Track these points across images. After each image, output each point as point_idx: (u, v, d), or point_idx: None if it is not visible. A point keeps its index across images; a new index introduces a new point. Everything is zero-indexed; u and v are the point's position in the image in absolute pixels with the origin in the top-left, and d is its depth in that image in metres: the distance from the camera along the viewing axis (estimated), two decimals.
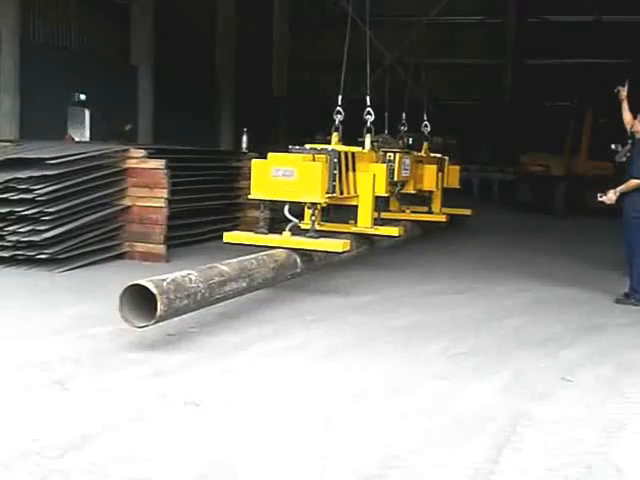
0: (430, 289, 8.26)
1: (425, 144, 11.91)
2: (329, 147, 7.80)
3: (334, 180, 7.45)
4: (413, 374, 5.11)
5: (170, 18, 23.75)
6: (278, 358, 5.37)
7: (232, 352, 5.44)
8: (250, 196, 7.47)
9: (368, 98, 8.72)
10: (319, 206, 7.41)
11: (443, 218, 11.54)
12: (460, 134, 29.94)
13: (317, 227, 7.51)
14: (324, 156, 7.45)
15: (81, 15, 20.02)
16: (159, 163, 9.29)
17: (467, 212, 12.49)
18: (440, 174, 11.45)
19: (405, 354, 5.59)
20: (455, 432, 4.06)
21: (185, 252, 9.97)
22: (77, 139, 17.45)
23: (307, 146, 7.82)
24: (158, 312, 5.06)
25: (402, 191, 10.49)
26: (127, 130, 21.04)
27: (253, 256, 6.69)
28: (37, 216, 8.34)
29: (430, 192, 11.39)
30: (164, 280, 5.24)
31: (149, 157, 9.41)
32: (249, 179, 12.12)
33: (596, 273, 9.73)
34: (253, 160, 7.46)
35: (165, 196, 9.24)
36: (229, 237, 7.66)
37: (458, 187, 12.19)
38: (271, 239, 7.37)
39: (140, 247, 9.31)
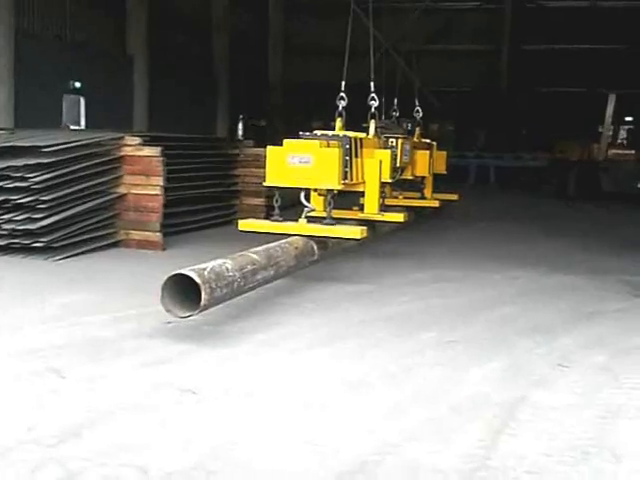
0: (426, 277, 8.24)
1: (417, 130, 11.88)
2: (340, 133, 7.75)
3: (346, 166, 7.41)
4: (410, 361, 5.10)
5: (165, 7, 23.64)
6: (276, 346, 5.36)
7: (230, 340, 5.43)
8: (265, 183, 7.39)
9: (372, 84, 8.69)
10: (328, 193, 7.37)
11: (436, 204, 11.54)
12: (456, 120, 29.97)
13: (324, 214, 7.50)
14: (336, 142, 7.42)
15: (76, 5, 19.91)
16: (154, 151, 9.27)
17: (454, 197, 12.48)
18: (431, 160, 11.43)
19: (402, 341, 5.59)
20: (452, 418, 4.06)
21: (181, 240, 9.97)
22: (73, 127, 17.41)
23: (318, 132, 7.76)
24: (202, 302, 5.02)
25: (400, 177, 10.45)
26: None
27: (277, 244, 6.65)
28: (32, 204, 8.32)
29: (423, 177, 11.36)
30: (204, 269, 5.20)
31: (144, 145, 9.39)
32: (245, 167, 12.36)
33: (593, 260, 9.74)
34: (268, 147, 7.33)
35: (161, 184, 9.22)
36: (244, 225, 7.57)
37: (445, 172, 12.15)
38: (288, 226, 7.30)
39: (136, 235, 9.29)
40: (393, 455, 3.56)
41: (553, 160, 22.65)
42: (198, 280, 5.02)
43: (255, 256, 6.01)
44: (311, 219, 7.45)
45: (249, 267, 5.77)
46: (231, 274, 5.44)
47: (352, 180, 7.69)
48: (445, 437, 3.79)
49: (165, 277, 5.09)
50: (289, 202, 8.19)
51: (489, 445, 3.70)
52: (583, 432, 3.92)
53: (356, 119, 8.61)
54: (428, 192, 11.56)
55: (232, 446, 3.61)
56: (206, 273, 5.15)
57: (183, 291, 5.10)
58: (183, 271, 5.10)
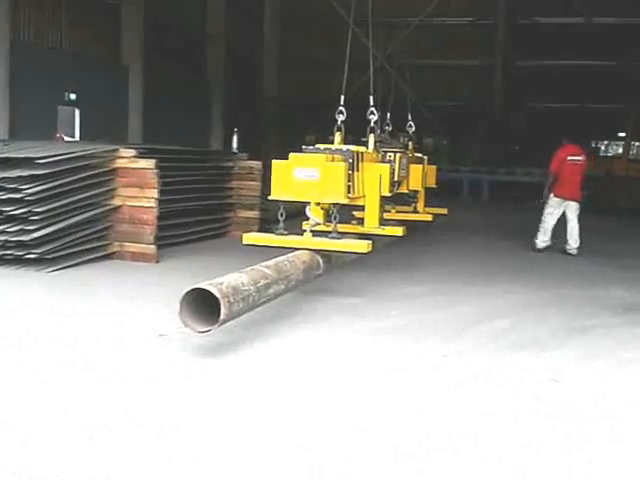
0: (418, 290, 8.26)
1: (410, 144, 11.91)
2: (343, 147, 7.77)
3: (349, 180, 7.42)
4: (400, 378, 5.11)
5: (161, 18, 23.74)
6: (263, 360, 5.36)
7: (217, 354, 5.42)
8: (270, 197, 7.37)
9: (371, 98, 8.72)
10: (333, 207, 7.38)
11: (429, 217, 11.55)
12: (450, 135, 30.09)
13: (325, 228, 7.50)
14: (341, 156, 7.44)
15: (72, 15, 19.98)
16: (149, 163, 9.28)
17: (444, 211, 12.52)
18: (424, 174, 11.44)
19: (392, 357, 5.60)
20: (441, 437, 4.07)
21: (175, 252, 9.98)
22: (67, 138, 17.42)
23: (321, 146, 7.77)
24: (222, 316, 5.01)
25: (397, 191, 10.44)
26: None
27: (284, 258, 6.63)
28: (26, 216, 8.32)
29: (415, 191, 11.38)
30: (222, 283, 5.19)
31: (139, 157, 9.39)
32: (240, 179, 12.38)
33: (585, 274, 9.79)
34: (273, 161, 7.25)
35: (155, 196, 9.23)
36: (249, 239, 7.51)
37: (435, 186, 12.19)
38: (294, 241, 7.25)
39: (130, 247, 9.29)
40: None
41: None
42: (218, 295, 5.02)
43: (267, 270, 6.01)
44: (315, 233, 7.45)
45: (262, 281, 5.77)
46: (247, 288, 5.44)
47: (354, 194, 7.70)
48: (441, 457, 3.80)
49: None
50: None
51: (479, 464, 3.71)
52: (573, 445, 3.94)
53: (351, 133, 8.62)
54: (421, 206, 11.58)
55: (222, 463, 3.61)
56: (224, 287, 5.15)
57: (197, 305, 5.10)
58: (202, 285, 5.10)
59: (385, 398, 4.62)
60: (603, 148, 34.38)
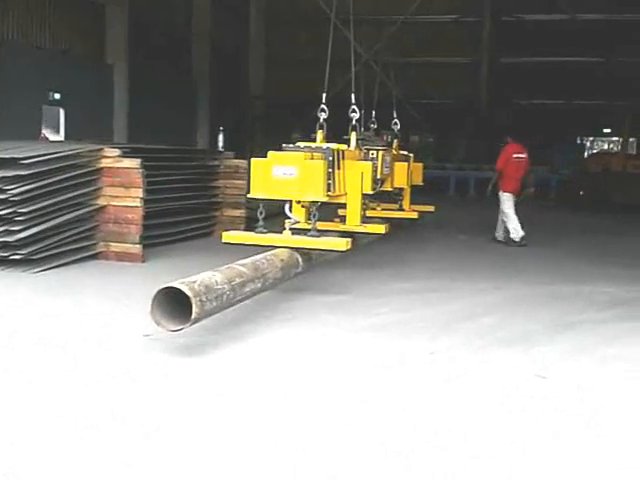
0: (404, 287, 8.25)
1: (395, 141, 11.92)
2: (323, 145, 7.77)
3: (329, 178, 7.42)
4: (387, 375, 5.11)
5: (146, 16, 23.64)
6: (250, 358, 5.35)
7: (199, 353, 5.40)
8: (249, 195, 7.36)
9: (353, 96, 8.70)
10: (312, 205, 7.37)
11: (415, 215, 11.55)
12: (437, 132, 30.14)
13: (306, 226, 7.50)
14: (320, 154, 7.43)
15: (56, 14, 19.87)
16: (134, 162, 9.24)
17: (430, 209, 12.55)
18: (409, 171, 11.44)
19: (379, 354, 5.60)
20: (428, 433, 4.07)
21: (161, 252, 9.94)
22: (51, 138, 17.34)
23: (301, 144, 7.76)
24: (193, 315, 4.99)
25: (380, 188, 10.44)
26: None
27: (262, 256, 6.62)
28: (11, 216, 8.28)
29: (401, 189, 11.38)
30: (195, 282, 5.17)
31: (124, 156, 9.36)
32: (226, 178, 12.36)
33: (573, 270, 9.82)
34: (252, 159, 7.27)
35: (140, 195, 9.19)
36: (228, 237, 7.50)
37: (421, 184, 12.20)
38: (273, 239, 7.25)
39: (115, 247, 9.25)
40: None
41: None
42: (189, 293, 5.00)
43: (243, 268, 5.99)
44: (295, 231, 7.44)
45: (237, 280, 5.75)
46: (220, 287, 5.43)
47: (334, 192, 7.70)
48: (431, 455, 3.80)
49: (154, 290, 5.06)
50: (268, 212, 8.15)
51: (465, 462, 3.72)
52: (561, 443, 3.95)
53: (336, 131, 8.61)
54: (406, 204, 11.59)
55: (216, 462, 3.61)
56: (196, 286, 5.13)
57: (172, 304, 5.08)
58: (174, 284, 5.08)
59: (371, 395, 4.62)
60: (588, 144, 34.57)
